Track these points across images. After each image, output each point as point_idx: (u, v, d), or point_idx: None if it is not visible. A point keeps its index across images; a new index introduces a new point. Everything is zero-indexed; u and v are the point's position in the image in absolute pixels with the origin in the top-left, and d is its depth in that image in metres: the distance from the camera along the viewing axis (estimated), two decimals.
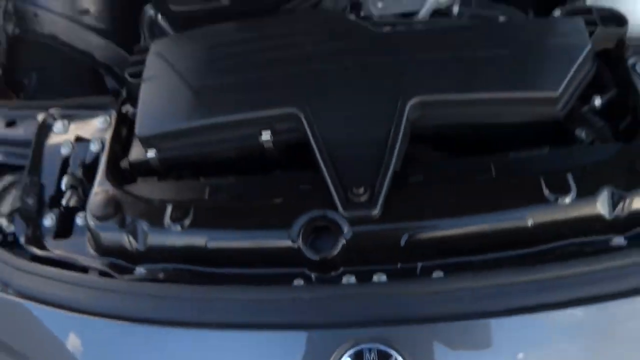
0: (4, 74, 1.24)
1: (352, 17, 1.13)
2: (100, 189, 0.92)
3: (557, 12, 1.09)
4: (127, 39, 1.41)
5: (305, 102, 0.92)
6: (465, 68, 0.95)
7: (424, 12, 1.15)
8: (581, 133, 0.95)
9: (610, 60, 1.00)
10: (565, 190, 0.81)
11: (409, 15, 1.17)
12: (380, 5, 1.17)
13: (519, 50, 0.95)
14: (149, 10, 1.39)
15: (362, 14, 1.20)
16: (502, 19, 1.11)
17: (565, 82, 0.91)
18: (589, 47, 0.94)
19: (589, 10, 1.00)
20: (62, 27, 1.37)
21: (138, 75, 1.05)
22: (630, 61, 0.97)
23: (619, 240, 0.81)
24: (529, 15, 1.25)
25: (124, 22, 1.42)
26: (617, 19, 0.99)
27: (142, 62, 1.07)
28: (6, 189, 1.07)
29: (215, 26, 1.10)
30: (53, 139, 1.04)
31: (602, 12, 1.00)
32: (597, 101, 0.96)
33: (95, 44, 1.39)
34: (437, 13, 1.16)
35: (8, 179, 1.07)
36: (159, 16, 1.38)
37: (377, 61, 0.98)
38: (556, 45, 0.95)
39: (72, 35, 1.37)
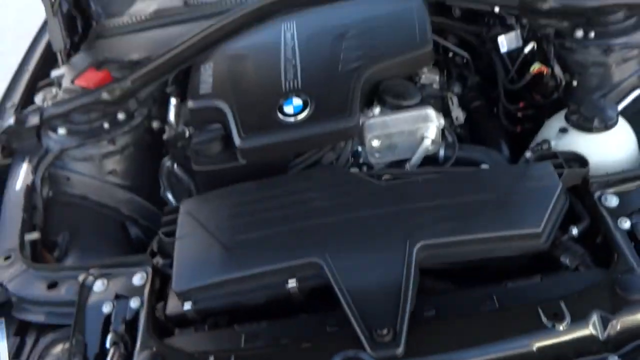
0: (41, 236, 1.36)
1: (356, 170, 1.30)
2: (144, 346, 1.01)
3: (528, 154, 1.30)
4: (149, 190, 1.57)
5: (324, 251, 1.06)
6: (459, 212, 1.11)
7: (415, 159, 1.34)
8: (566, 260, 1.09)
9: (579, 195, 1.17)
10: (561, 318, 0.94)
11: (403, 161, 1.35)
12: (377, 155, 1.36)
13: (503, 194, 1.13)
14: (167, 162, 1.57)
15: (361, 161, 1.38)
16: (484, 166, 1.29)
17: (545, 218, 1.08)
18: (560, 186, 1.12)
19: (555, 155, 1.20)
20: (91, 187, 1.52)
21: (171, 234, 1.19)
22: (596, 195, 1.14)
23: (613, 358, 0.92)
24: (504, 152, 1.46)
25: (146, 176, 1.59)
26: (580, 161, 1.18)
27: (173, 222, 1.21)
28: (48, 348, 1.14)
29: (238, 186, 1.27)
30: (94, 298, 1.14)
31: (566, 155, 1.20)
32: (575, 231, 1.12)
33: (120, 199, 1.55)
34: (426, 159, 1.35)
35: (50, 336, 1.15)
36: (176, 166, 1.56)
37: (383, 211, 1.13)
38: (533, 188, 1.13)
39: (101, 193, 1.53)
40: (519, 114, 1.55)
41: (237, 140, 1.32)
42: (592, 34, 1.42)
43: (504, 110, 1.54)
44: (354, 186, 1.21)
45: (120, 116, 1.55)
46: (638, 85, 1.42)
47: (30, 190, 1.40)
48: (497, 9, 1.52)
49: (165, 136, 1.57)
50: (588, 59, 1.44)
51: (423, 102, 1.38)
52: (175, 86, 1.64)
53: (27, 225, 1.34)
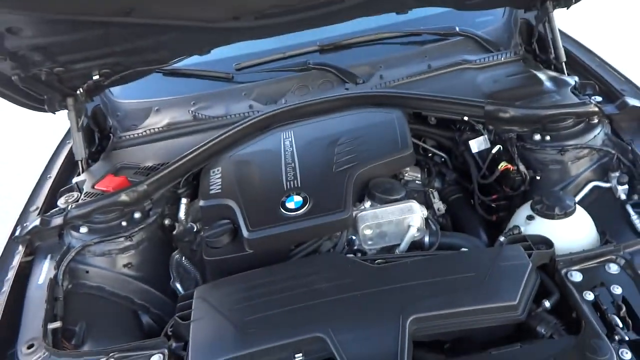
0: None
1: (352, 256, 1.46)
2: None
3: (501, 238, 1.48)
4: (160, 280, 1.70)
5: (327, 327, 1.19)
6: (445, 289, 1.26)
7: (403, 245, 1.51)
8: (541, 329, 1.23)
9: (548, 272, 1.33)
10: None
11: (393, 247, 1.52)
12: (370, 242, 1.53)
13: (482, 273, 1.28)
14: (176, 255, 1.71)
15: (355, 248, 1.54)
16: (464, 249, 1.47)
17: (520, 292, 1.23)
18: (530, 265, 1.28)
19: (525, 239, 1.38)
20: (107, 279, 1.64)
21: (186, 318, 1.31)
22: (563, 271, 1.31)
23: None
24: (482, 238, 1.63)
25: (157, 268, 1.72)
26: (547, 243, 1.36)
27: (188, 307, 1.34)
28: None
29: (246, 273, 1.41)
30: None
31: (534, 239, 1.38)
32: (547, 303, 1.27)
33: (134, 289, 1.66)
34: (413, 244, 1.52)
35: None
36: (183, 259, 1.70)
37: (378, 289, 1.28)
38: (508, 267, 1.29)
39: (115, 284, 1.64)
40: (493, 205, 1.75)
41: (245, 233, 1.49)
42: (548, 137, 1.67)
43: (480, 202, 1.74)
44: (351, 269, 1.36)
45: (137, 215, 1.72)
46: (592, 178, 1.64)
47: (53, 283, 1.52)
48: (466, 118, 1.78)
49: (175, 232, 1.74)
50: (547, 158, 1.67)
51: (407, 197, 1.58)
52: (186, 188, 1.84)
53: (49, 315, 1.45)
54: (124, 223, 1.69)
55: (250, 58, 2.19)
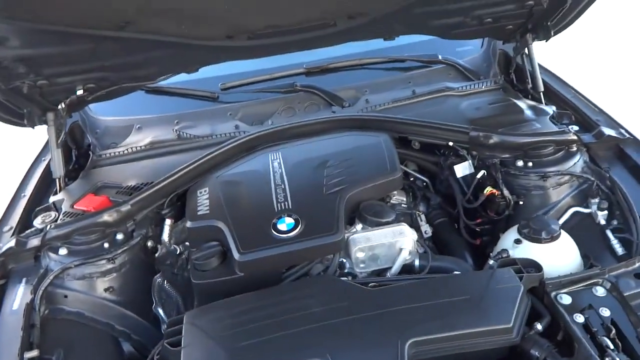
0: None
1: (346, 279, 1.46)
2: None
3: (491, 262, 1.50)
4: (142, 305, 1.64)
5: (325, 352, 1.17)
6: (440, 312, 1.27)
7: (395, 268, 1.51)
8: (535, 353, 1.25)
9: (537, 295, 1.36)
10: None
11: (384, 270, 1.53)
12: (362, 265, 1.53)
13: (475, 296, 1.30)
14: (158, 279, 1.66)
15: (346, 271, 1.54)
16: (457, 272, 1.48)
17: (514, 315, 1.25)
18: (522, 288, 1.31)
19: (514, 262, 1.41)
20: (87, 304, 1.57)
21: (176, 344, 1.26)
22: (552, 294, 1.34)
23: None
24: (468, 261, 1.66)
25: (139, 292, 1.66)
26: (535, 266, 1.39)
27: (178, 332, 1.30)
28: None
29: (238, 297, 1.38)
30: None
31: (523, 262, 1.41)
32: (539, 326, 1.29)
33: (115, 314, 1.59)
34: (403, 268, 1.53)
35: None
36: (165, 283, 1.65)
37: (374, 313, 1.27)
38: (500, 290, 1.31)
39: (95, 310, 1.57)
40: (478, 229, 1.79)
41: (236, 255, 1.46)
42: (530, 164, 1.73)
43: (465, 226, 1.77)
44: (346, 292, 1.36)
45: (119, 237, 1.66)
46: (572, 204, 1.70)
47: (29, 309, 1.45)
48: (451, 143, 1.82)
49: (157, 255, 1.69)
50: (530, 183, 1.72)
51: (397, 220, 1.60)
52: (170, 209, 1.80)
53: (26, 343, 1.37)
54: (106, 245, 1.63)
55: (236, 78, 2.18)
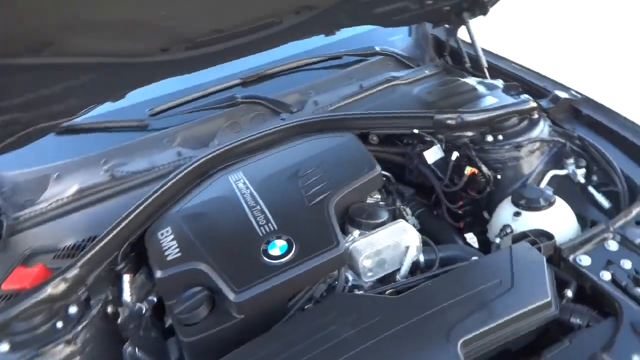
0: None
1: (361, 293, 1.31)
2: None
3: (497, 240, 1.44)
4: None
5: None
6: (477, 304, 1.16)
7: (405, 269, 1.39)
8: (577, 320, 1.20)
9: (554, 263, 1.32)
10: None
11: (392, 274, 1.40)
12: (369, 274, 1.38)
13: (503, 278, 1.21)
14: (128, 348, 1.37)
15: (349, 285, 1.38)
16: (474, 259, 1.39)
17: (548, 288, 1.19)
18: (544, 259, 1.25)
19: (526, 235, 1.35)
20: None
21: None
22: (571, 258, 1.30)
23: None
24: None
25: None
26: (546, 235, 1.35)
27: None
28: None
29: (249, 345, 1.15)
30: None
31: (533, 233, 1.36)
32: (569, 293, 1.24)
33: None
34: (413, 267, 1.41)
35: None
36: (137, 351, 1.37)
37: (410, 322, 1.13)
38: (526, 266, 1.24)
39: None
40: (460, 211, 1.73)
41: (231, 296, 1.25)
42: (500, 137, 1.71)
43: (447, 210, 1.71)
44: (371, 307, 1.20)
45: (73, 310, 1.35)
46: (545, 170, 1.70)
47: None
48: (416, 131, 1.75)
49: (119, 320, 1.41)
50: (505, 156, 1.70)
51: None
52: (126, 262, 1.51)
53: None
54: (59, 324, 1.31)
55: (164, 101, 1.94)
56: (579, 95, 1.82)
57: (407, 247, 1.39)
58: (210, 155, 1.68)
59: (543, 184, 1.67)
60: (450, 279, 1.27)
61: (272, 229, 1.39)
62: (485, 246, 1.57)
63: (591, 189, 1.59)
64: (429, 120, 1.75)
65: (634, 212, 1.40)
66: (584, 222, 1.50)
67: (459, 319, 1.13)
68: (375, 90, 1.97)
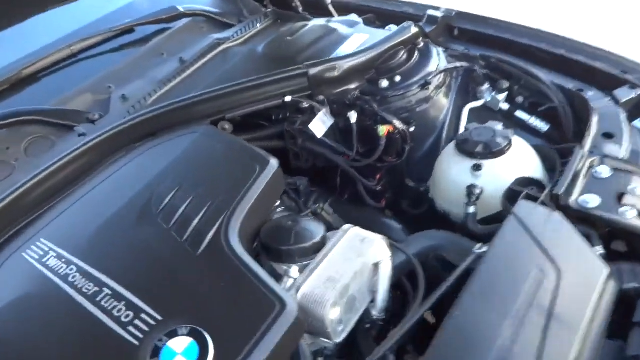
0: None
1: None
2: None
3: (471, 209, 1.04)
4: None
5: None
6: None
7: (383, 294, 0.88)
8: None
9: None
10: None
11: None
12: (340, 328, 0.83)
13: (543, 266, 0.81)
14: None
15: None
16: (484, 248, 0.92)
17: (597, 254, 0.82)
18: (562, 217, 0.89)
19: (514, 191, 0.98)
20: None
21: None
22: (572, 202, 0.96)
23: None
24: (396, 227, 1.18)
25: None
26: (535, 183, 1.00)
27: None
28: None
29: None
30: None
31: (521, 184, 0.99)
32: (599, 249, 0.90)
33: None
34: None
35: None
36: None
37: None
38: (545, 232, 0.87)
39: None
40: (379, 188, 1.28)
41: None
42: (397, 78, 1.29)
43: (366, 191, 1.25)
44: None
45: None
46: (459, 107, 1.34)
47: None
48: (288, 98, 1.22)
49: None
50: (412, 101, 1.29)
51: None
52: None
53: None
54: None
55: None
56: (453, 12, 1.51)
57: (378, 264, 0.88)
58: None
59: (464, 121, 1.32)
60: (477, 282, 0.81)
61: (153, 322, 0.73)
62: (429, 222, 1.15)
63: (520, 113, 1.29)
64: (303, 80, 1.23)
65: (594, 123, 1.13)
66: (552, 151, 1.18)
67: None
68: (204, 61, 1.36)
